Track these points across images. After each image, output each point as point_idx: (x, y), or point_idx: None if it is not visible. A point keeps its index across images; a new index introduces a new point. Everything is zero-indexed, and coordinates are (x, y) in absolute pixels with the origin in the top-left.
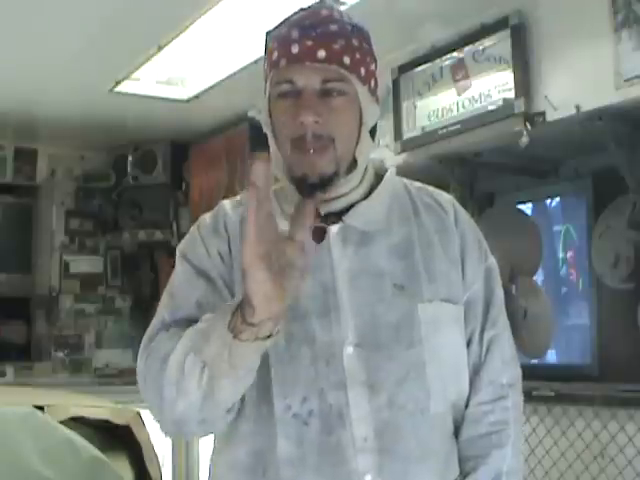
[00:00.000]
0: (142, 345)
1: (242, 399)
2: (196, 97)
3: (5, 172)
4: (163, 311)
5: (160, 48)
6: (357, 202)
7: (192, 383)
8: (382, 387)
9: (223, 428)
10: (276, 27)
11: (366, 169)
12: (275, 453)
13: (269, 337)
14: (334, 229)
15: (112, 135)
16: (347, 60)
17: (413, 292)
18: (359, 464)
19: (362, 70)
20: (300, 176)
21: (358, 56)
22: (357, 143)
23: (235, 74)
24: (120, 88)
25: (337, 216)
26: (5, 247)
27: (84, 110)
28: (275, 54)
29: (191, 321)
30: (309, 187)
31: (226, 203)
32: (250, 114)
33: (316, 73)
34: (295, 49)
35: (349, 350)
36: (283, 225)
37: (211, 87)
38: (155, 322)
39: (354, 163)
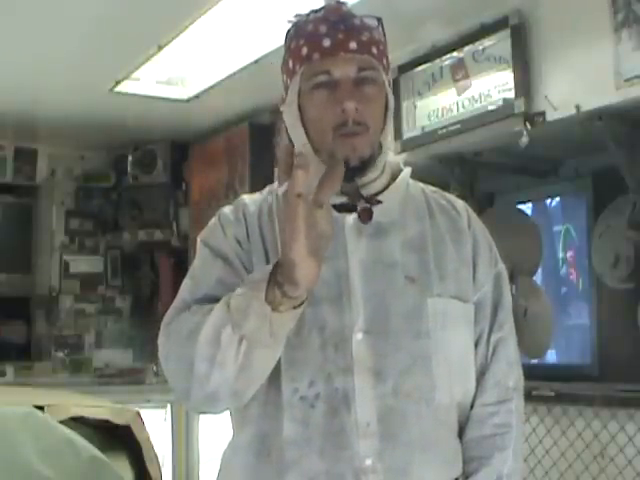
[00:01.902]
0: (162, 327)
1: None
2: (196, 97)
3: (5, 172)
4: (184, 293)
5: (160, 48)
6: (376, 194)
7: (229, 355)
8: (388, 374)
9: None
10: (299, 24)
11: (385, 163)
12: (280, 435)
13: (303, 303)
14: (350, 219)
15: (112, 135)
16: (375, 50)
17: (424, 285)
18: (361, 448)
19: (385, 61)
20: (342, 160)
21: (381, 47)
22: (383, 129)
23: (235, 74)
24: (120, 88)
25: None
26: (5, 247)
27: (84, 110)
28: (305, 49)
29: (211, 299)
30: (351, 170)
31: (244, 197)
32: (282, 108)
33: (351, 63)
34: (327, 42)
35: (358, 336)
36: None
37: (211, 87)
38: (175, 304)
39: (380, 149)
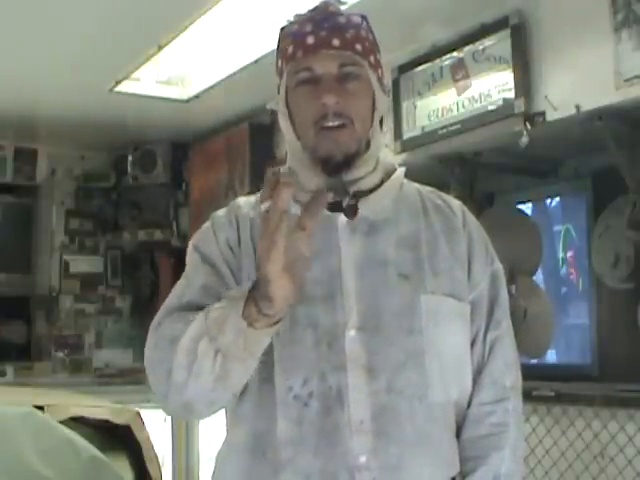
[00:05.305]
0: (150, 329)
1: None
2: (196, 97)
3: (5, 172)
4: (172, 297)
5: (160, 48)
6: (369, 191)
7: (205, 367)
8: (381, 371)
9: (226, 406)
10: (288, 25)
11: (378, 161)
12: (275, 434)
13: (279, 320)
14: (343, 218)
15: (112, 135)
16: (359, 47)
17: (417, 283)
18: (355, 445)
19: (372, 58)
20: (325, 156)
21: (367, 45)
22: (370, 127)
23: (235, 74)
24: (120, 88)
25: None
26: (5, 247)
27: (84, 110)
28: (290, 48)
29: (195, 305)
30: (334, 166)
31: (240, 199)
32: (269, 106)
33: (332, 59)
34: (310, 40)
35: (351, 333)
36: (295, 210)
37: (211, 87)
38: (163, 308)
39: (367, 146)
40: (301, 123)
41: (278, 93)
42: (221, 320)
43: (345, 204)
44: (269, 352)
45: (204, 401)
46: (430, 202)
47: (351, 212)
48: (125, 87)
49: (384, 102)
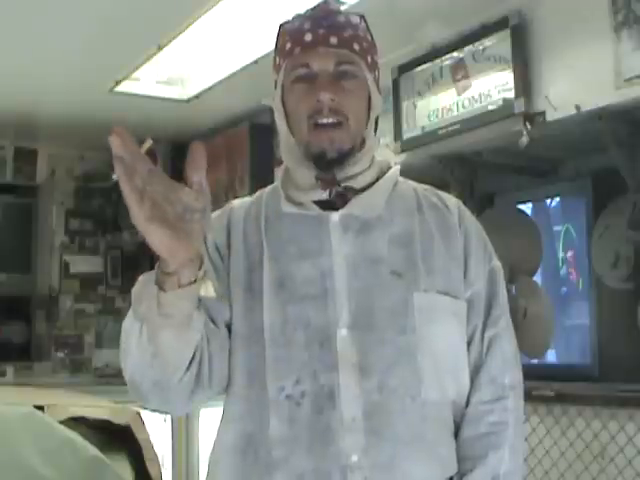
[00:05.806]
0: None
1: (233, 381)
2: (196, 97)
3: (5, 172)
4: None
5: (160, 48)
6: (363, 189)
7: (133, 340)
8: (373, 370)
9: (184, 403)
10: (287, 22)
11: (373, 160)
12: (267, 434)
13: (194, 282)
14: (335, 217)
15: None
16: (357, 46)
17: (410, 280)
18: (347, 444)
19: (369, 58)
20: (319, 152)
21: (365, 45)
22: (366, 126)
23: (235, 74)
24: (120, 88)
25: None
26: (5, 247)
27: (84, 110)
28: (289, 44)
29: None
30: (328, 163)
31: (235, 201)
32: (264, 102)
33: (330, 57)
34: (308, 37)
35: (343, 332)
36: (287, 208)
37: (211, 87)
38: None
39: (363, 144)
40: (295, 118)
41: (275, 89)
42: (140, 292)
43: (334, 192)
44: (260, 352)
45: (147, 381)
46: (425, 200)
47: (340, 200)
48: (125, 87)
49: (379, 102)
